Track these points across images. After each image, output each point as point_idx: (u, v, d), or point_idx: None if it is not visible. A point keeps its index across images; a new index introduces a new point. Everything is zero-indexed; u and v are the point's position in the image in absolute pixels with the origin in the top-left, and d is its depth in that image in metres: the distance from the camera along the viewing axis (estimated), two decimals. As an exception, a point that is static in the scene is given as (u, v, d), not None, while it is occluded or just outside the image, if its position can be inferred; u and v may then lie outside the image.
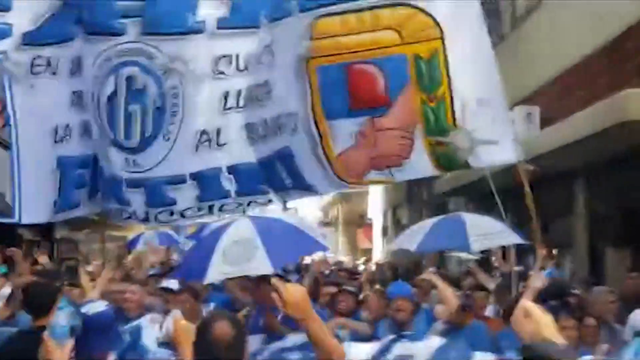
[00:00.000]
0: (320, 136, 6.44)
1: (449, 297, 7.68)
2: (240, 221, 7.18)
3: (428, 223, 10.35)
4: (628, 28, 10.29)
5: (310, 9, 6.28)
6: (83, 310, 5.29)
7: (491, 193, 7.17)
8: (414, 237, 10.12)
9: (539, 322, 3.10)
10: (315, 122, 6.42)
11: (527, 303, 3.39)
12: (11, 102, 7.12)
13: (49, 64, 7.13)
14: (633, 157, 10.49)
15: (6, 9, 7.04)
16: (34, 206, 7.35)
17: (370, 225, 33.61)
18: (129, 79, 6.84)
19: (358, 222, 36.16)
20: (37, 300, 5.82)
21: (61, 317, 4.68)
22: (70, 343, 4.36)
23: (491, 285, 9.40)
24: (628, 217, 11.53)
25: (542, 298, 6.78)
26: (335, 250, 31.97)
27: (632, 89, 9.46)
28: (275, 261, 6.89)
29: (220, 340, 3.73)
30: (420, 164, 6.39)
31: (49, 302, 5.69)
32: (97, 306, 5.37)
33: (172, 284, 8.40)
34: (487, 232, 9.19)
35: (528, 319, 3.18)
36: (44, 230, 17.52)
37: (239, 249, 7.01)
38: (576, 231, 13.18)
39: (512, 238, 9.13)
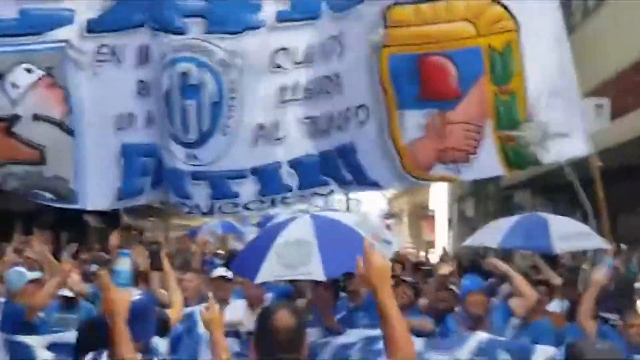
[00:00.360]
0: (390, 125, 6.50)
1: (527, 292, 7.63)
2: (301, 220, 7.32)
3: (509, 221, 10.37)
4: None
5: None
6: None
7: (558, 187, 7.08)
8: (495, 234, 10.14)
9: None
10: (388, 109, 6.47)
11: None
12: (75, 90, 7.12)
13: (113, 52, 7.13)
14: None
15: None
16: (97, 193, 7.37)
17: (432, 217, 33.70)
18: (184, 75, 6.88)
19: (421, 214, 36.42)
20: None
21: (124, 264, 4.81)
22: (132, 290, 4.49)
23: (557, 280, 9.25)
24: None
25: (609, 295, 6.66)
26: (401, 242, 30.85)
27: None
28: (329, 270, 6.96)
29: (281, 330, 3.80)
30: (488, 161, 6.38)
31: None
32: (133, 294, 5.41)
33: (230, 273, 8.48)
34: (570, 234, 9.18)
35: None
36: (110, 218, 17.80)
37: (294, 251, 7.11)
38: None
39: (596, 242, 8.93)
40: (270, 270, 7.21)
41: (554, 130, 6.14)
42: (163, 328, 6.22)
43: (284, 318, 3.87)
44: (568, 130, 6.16)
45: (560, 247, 9.44)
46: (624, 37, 13.08)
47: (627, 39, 12.92)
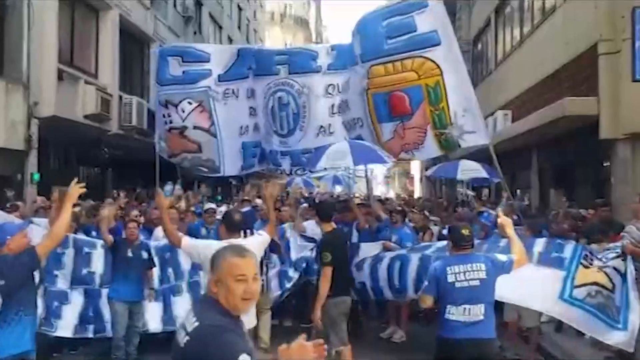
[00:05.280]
0: (375, 131, 10.33)
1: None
2: (341, 142, 10.52)
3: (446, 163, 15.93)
4: (561, 66, 16.13)
5: (367, 60, 10.12)
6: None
7: (483, 157, 10.83)
8: (437, 171, 15.57)
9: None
10: (372, 123, 10.35)
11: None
12: (214, 112, 11.84)
13: (233, 92, 11.77)
14: (565, 137, 16.06)
15: (207, 60, 11.76)
16: (230, 167, 12.15)
17: (412, 178, 56.13)
18: (280, 98, 11.34)
19: (406, 175, 60.50)
20: (232, 221, 6.66)
21: (168, 187, 9.33)
22: (170, 199, 7.74)
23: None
24: (562, 171, 17.20)
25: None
26: (393, 190, 63.03)
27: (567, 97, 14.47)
28: (356, 161, 10.07)
29: None
30: (430, 148, 10.00)
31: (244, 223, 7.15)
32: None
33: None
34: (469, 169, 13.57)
35: None
36: (242, 180, 23.30)
37: (337, 154, 10.02)
38: (532, 179, 19.92)
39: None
40: (324, 162, 10.12)
41: (466, 129, 9.70)
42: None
43: None
44: (474, 129, 9.70)
45: (460, 176, 13.94)
46: (521, 73, 20.10)
47: (522, 75, 19.88)
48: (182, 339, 2.90)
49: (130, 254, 8.82)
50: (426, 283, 6.28)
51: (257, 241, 6.53)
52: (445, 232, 10.12)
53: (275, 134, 11.62)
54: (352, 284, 8.95)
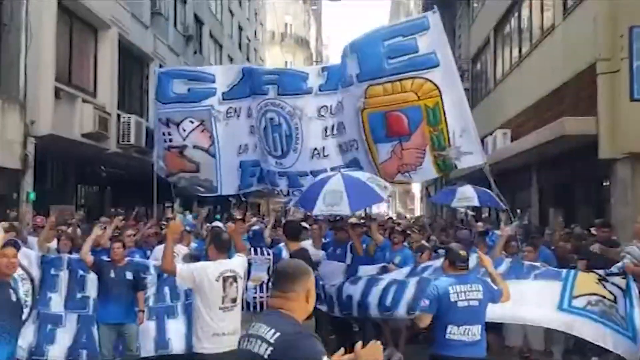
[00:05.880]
0: (371, 152, 10.20)
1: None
2: (336, 177, 9.65)
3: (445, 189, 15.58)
4: (560, 85, 16.25)
5: (365, 80, 9.98)
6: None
7: (480, 178, 10.67)
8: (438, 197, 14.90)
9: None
10: (368, 144, 10.17)
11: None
12: (215, 132, 11.76)
13: (235, 110, 11.69)
14: (564, 156, 16.12)
15: (213, 80, 11.70)
16: (227, 186, 12.06)
17: (413, 195, 59.39)
18: (271, 119, 11.24)
19: (406, 194, 65.32)
20: (221, 241, 6.73)
21: (189, 217, 9.24)
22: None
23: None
24: (562, 190, 17.39)
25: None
26: (394, 209, 61.27)
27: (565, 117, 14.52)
28: (352, 207, 9.46)
29: None
30: (428, 169, 9.88)
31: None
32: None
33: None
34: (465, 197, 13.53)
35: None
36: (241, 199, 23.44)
37: (332, 197, 9.33)
38: (532, 198, 20.08)
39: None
40: (320, 208, 9.43)
41: (463, 150, 9.62)
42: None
43: None
44: (471, 150, 9.64)
45: (455, 204, 13.91)
46: (520, 92, 20.34)
47: (521, 94, 20.05)
48: (264, 350, 3.17)
49: (112, 274, 8.73)
50: (426, 302, 6.27)
51: (241, 263, 6.68)
52: (441, 252, 10.06)
53: (269, 154, 11.57)
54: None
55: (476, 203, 13.48)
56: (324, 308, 9.28)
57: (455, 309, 5.99)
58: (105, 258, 9.03)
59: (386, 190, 9.64)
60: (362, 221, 11.39)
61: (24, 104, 15.28)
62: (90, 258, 8.74)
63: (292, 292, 3.39)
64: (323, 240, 11.09)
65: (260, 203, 37.75)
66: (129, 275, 8.79)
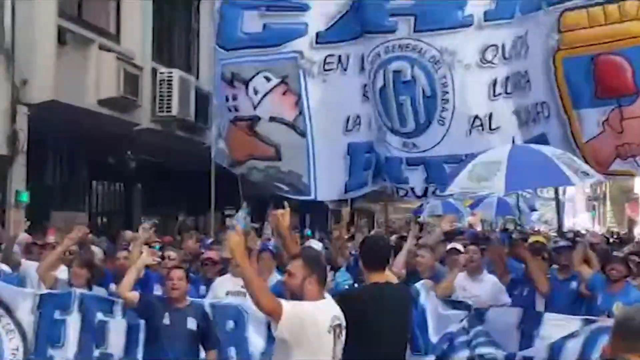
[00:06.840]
0: (570, 123, 7.81)
1: None
2: (503, 148, 7.77)
3: None
4: None
5: (559, 2, 7.68)
6: None
7: None
8: None
9: None
10: (565, 110, 7.73)
11: None
12: (305, 95, 9.28)
13: (339, 61, 9.19)
14: None
15: (305, 9, 9.21)
16: (327, 186, 9.67)
17: (637, 200, 40.39)
18: (397, 73, 8.80)
19: (626, 197, 43.88)
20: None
21: (241, 214, 6.52)
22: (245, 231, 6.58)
23: None
24: None
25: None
26: (604, 221, 46.74)
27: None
28: (510, 185, 7.57)
29: None
30: None
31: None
32: None
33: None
34: None
35: None
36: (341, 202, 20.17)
37: (484, 169, 7.55)
38: None
39: None
40: (460, 183, 7.80)
41: None
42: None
43: None
44: None
45: None
46: None
47: None
48: None
49: (167, 321, 6.90)
50: None
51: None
52: None
53: (391, 131, 9.03)
54: None
55: None
56: None
57: None
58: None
59: (586, 177, 7.33)
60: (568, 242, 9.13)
61: (11, 54, 12.58)
62: (133, 295, 7.05)
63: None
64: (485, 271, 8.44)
65: (374, 211, 29.83)
66: (191, 324, 6.94)
